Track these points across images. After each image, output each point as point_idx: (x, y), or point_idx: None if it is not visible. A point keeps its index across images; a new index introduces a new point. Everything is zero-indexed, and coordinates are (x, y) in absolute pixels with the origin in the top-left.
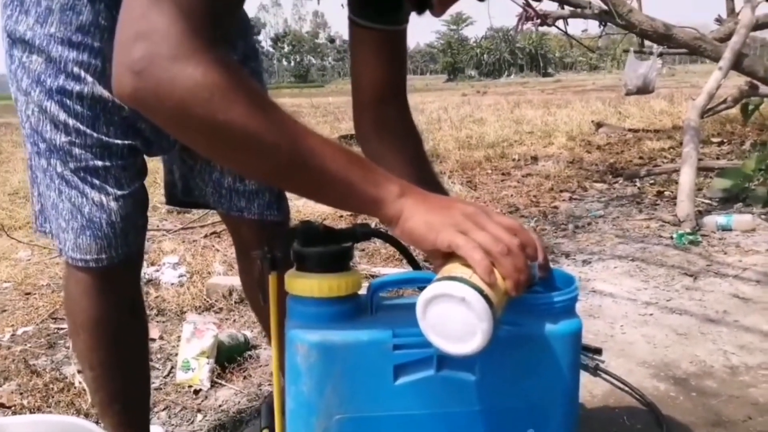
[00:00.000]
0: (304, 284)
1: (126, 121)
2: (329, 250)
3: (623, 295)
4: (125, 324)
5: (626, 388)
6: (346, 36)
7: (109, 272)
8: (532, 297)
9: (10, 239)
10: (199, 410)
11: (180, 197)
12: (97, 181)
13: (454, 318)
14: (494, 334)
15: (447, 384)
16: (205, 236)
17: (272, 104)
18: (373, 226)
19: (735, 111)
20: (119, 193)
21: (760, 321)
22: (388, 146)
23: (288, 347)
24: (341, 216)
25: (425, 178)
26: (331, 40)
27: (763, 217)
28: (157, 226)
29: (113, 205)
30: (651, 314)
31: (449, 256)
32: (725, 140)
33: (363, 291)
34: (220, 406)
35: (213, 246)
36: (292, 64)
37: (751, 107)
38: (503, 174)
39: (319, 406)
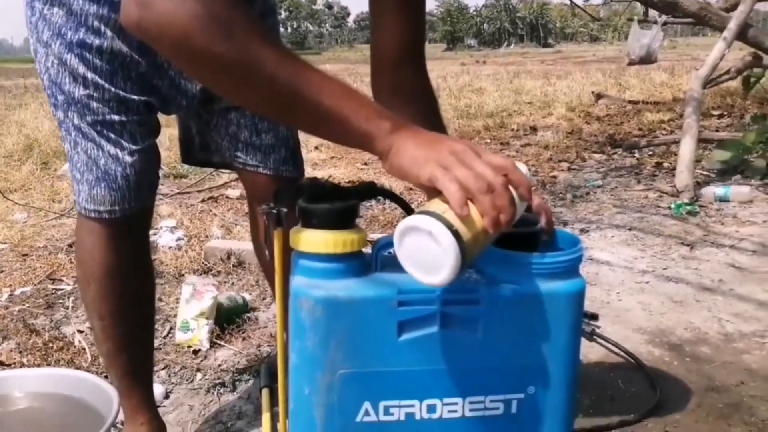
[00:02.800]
0: (309, 240)
1: (143, 78)
2: (335, 207)
3: (620, 263)
4: (134, 275)
5: (621, 353)
6: (344, 2)
7: (120, 224)
8: (536, 256)
9: (6, 201)
10: (198, 369)
11: (197, 154)
12: (113, 135)
13: (425, 250)
14: (464, 269)
15: (450, 341)
16: (203, 201)
17: (272, 39)
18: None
19: (735, 84)
20: (134, 147)
21: (755, 290)
22: (402, 105)
23: (293, 303)
24: (351, 182)
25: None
26: (329, 7)
27: (760, 189)
28: None
29: (128, 158)
30: (647, 282)
31: (437, 192)
32: (725, 113)
33: (367, 250)
34: (219, 365)
35: (210, 210)
36: (289, 30)
37: (752, 80)
38: (502, 144)
39: (323, 361)
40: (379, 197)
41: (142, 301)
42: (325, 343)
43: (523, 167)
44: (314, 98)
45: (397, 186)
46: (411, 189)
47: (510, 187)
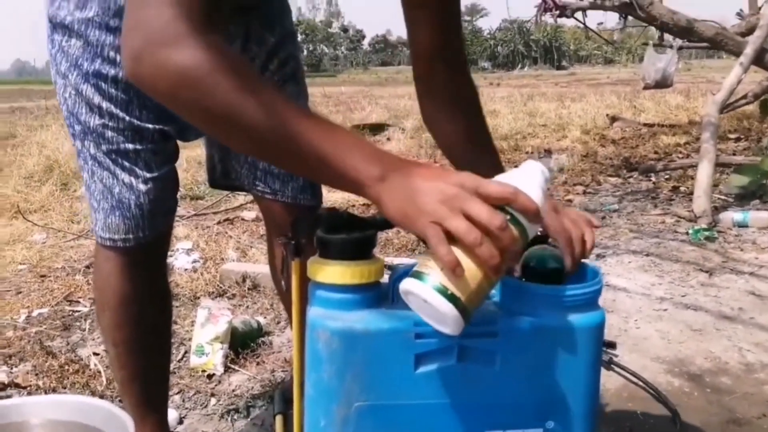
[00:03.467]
0: (327, 271)
1: (159, 106)
2: (352, 238)
3: (637, 290)
4: (150, 303)
5: (640, 383)
6: (359, 26)
7: (136, 252)
8: (556, 289)
9: (26, 222)
10: (212, 394)
11: (219, 180)
12: (127, 164)
13: (428, 309)
14: (468, 321)
15: (467, 375)
16: (218, 222)
17: (262, 86)
18: None
19: (752, 107)
20: (148, 175)
21: None
22: (440, 111)
23: (309, 334)
24: (367, 204)
25: (475, 143)
26: (345, 30)
27: None
28: None
29: (142, 187)
30: (665, 309)
31: None
32: (742, 136)
33: (384, 279)
34: (233, 390)
35: (226, 232)
36: (305, 53)
37: None
38: (516, 166)
39: (340, 393)
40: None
41: (158, 329)
42: (342, 375)
43: (538, 165)
44: (301, 147)
45: None
46: None
47: (517, 215)
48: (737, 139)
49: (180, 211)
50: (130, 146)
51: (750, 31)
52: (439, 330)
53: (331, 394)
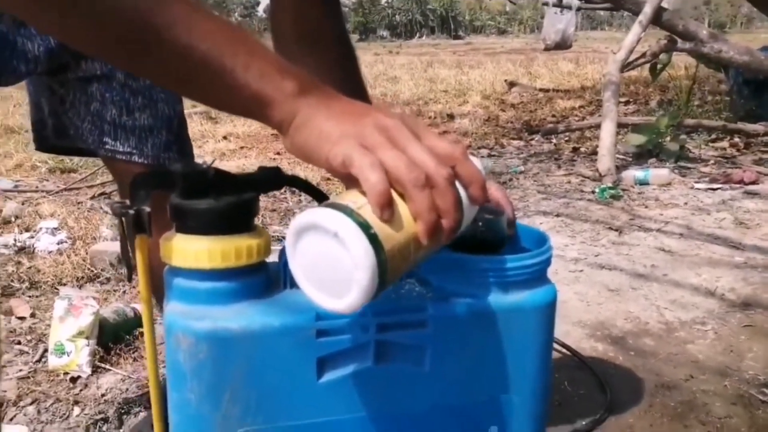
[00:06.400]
0: (187, 251)
1: None
2: (222, 203)
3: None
4: None
5: (567, 352)
6: None
7: None
8: (496, 260)
9: None
10: (76, 402)
11: (52, 140)
12: None
13: (328, 260)
14: (382, 290)
15: (389, 379)
16: (92, 197)
17: None
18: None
19: (637, 72)
20: None
21: (688, 274)
22: (308, 55)
23: (166, 339)
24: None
25: (352, 88)
26: None
27: (676, 171)
28: (36, 187)
29: None
30: (581, 270)
31: (355, 182)
32: (631, 100)
33: (274, 258)
34: (102, 395)
35: (101, 208)
36: None
37: (659, 66)
38: None
39: (214, 418)
40: (288, 187)
41: None
42: (215, 395)
43: (478, 162)
44: (182, 40)
45: (314, 176)
46: (329, 179)
47: (457, 184)
48: (626, 102)
49: (48, 185)
50: None
51: None
52: (330, 307)
53: (203, 420)
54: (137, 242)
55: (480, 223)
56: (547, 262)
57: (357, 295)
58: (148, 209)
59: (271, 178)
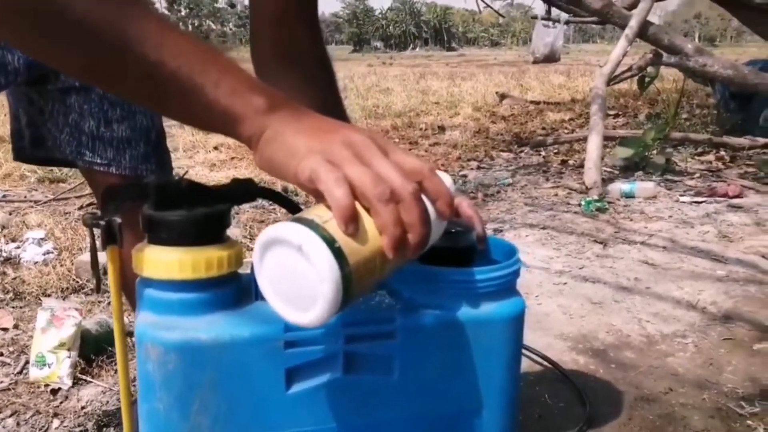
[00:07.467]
0: (159, 262)
1: None
2: (193, 214)
3: (536, 264)
4: None
5: (548, 365)
6: (247, 0)
7: None
8: (465, 272)
9: None
10: (55, 414)
11: (29, 151)
12: None
13: (293, 274)
14: (347, 305)
15: (358, 389)
16: (81, 207)
17: None
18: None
19: (627, 85)
20: None
21: (670, 287)
22: (286, 75)
23: (137, 350)
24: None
25: (329, 107)
26: (232, 5)
27: (662, 184)
28: (24, 197)
29: None
30: (565, 283)
31: (320, 195)
32: (620, 113)
33: (245, 269)
34: (83, 408)
35: None
36: (190, 28)
37: (647, 80)
38: (411, 143)
39: (183, 428)
40: (261, 199)
41: None
42: (184, 405)
43: (447, 178)
44: (152, 57)
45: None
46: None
47: (424, 199)
48: (616, 116)
49: (37, 195)
50: None
51: (635, 4)
52: (294, 320)
53: (171, 431)
54: (108, 253)
55: (449, 237)
56: (516, 274)
57: (322, 308)
58: (119, 220)
59: (244, 190)
